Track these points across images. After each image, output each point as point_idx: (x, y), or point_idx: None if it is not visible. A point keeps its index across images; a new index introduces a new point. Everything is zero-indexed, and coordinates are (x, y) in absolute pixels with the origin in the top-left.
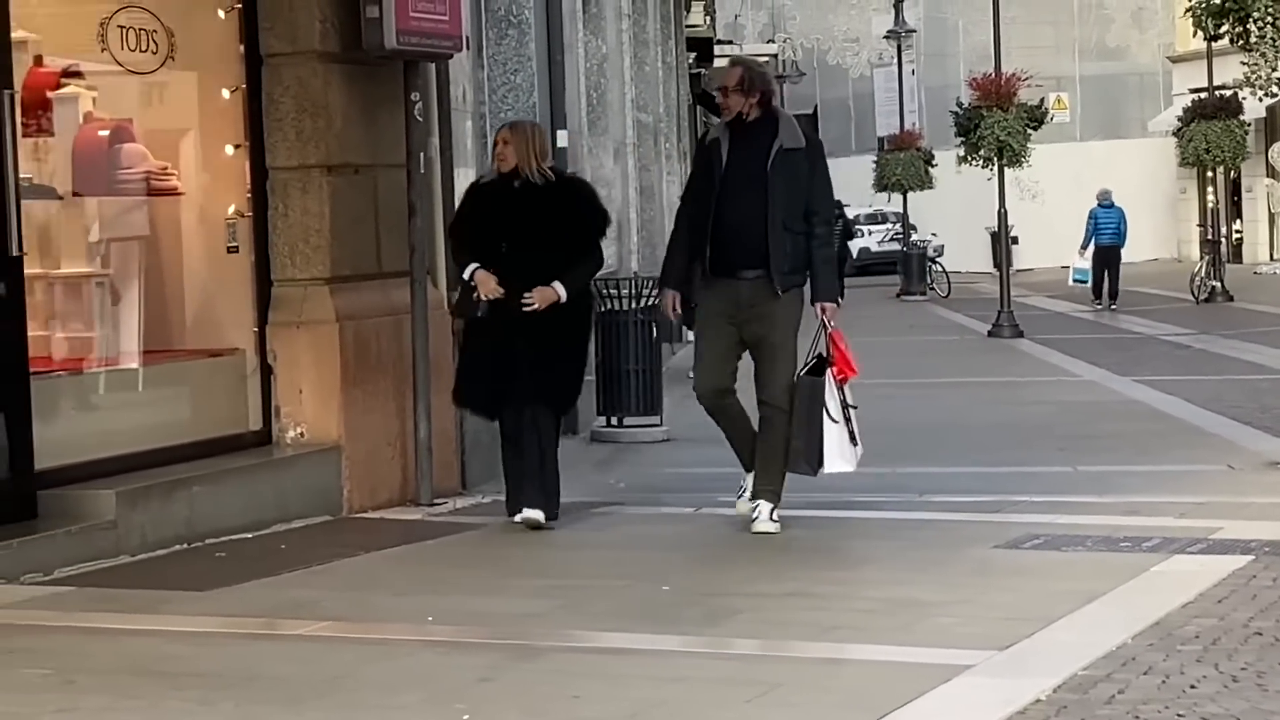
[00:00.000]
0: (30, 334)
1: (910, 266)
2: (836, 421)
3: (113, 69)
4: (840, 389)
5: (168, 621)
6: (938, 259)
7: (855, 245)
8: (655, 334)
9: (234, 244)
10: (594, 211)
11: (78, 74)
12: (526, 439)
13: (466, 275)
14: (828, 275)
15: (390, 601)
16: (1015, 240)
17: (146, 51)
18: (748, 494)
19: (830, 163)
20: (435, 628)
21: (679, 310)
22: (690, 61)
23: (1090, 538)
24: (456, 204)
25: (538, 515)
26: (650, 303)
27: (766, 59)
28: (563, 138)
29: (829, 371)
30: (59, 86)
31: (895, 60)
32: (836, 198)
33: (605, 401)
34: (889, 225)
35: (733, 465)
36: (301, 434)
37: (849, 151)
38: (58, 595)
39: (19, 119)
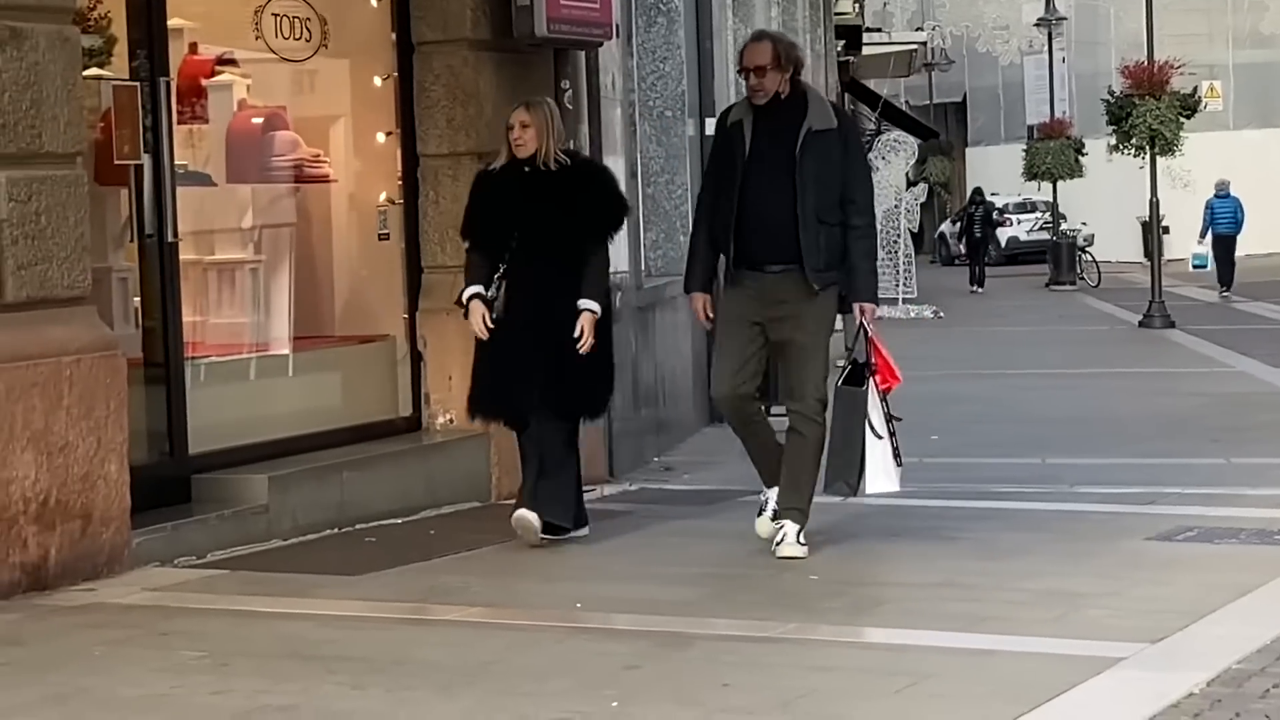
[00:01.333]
0: (184, 319)
1: (1059, 256)
2: (880, 437)
3: (266, 57)
4: (884, 400)
5: (319, 605)
6: (1087, 248)
7: (1004, 234)
8: None
9: (385, 231)
10: (614, 200)
11: (232, 62)
12: (527, 447)
13: (465, 297)
14: (867, 272)
15: (539, 588)
16: (1166, 230)
17: (300, 39)
18: (769, 513)
19: (979, 151)
20: (584, 614)
21: (711, 315)
22: (839, 49)
23: (1244, 530)
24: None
25: (530, 517)
26: None
27: (916, 46)
28: (711, 126)
29: (871, 381)
30: (214, 74)
31: (1045, 48)
32: (976, 185)
33: None
34: (1038, 214)
35: None
36: (451, 420)
37: (998, 140)
38: (211, 578)
39: (174, 106)
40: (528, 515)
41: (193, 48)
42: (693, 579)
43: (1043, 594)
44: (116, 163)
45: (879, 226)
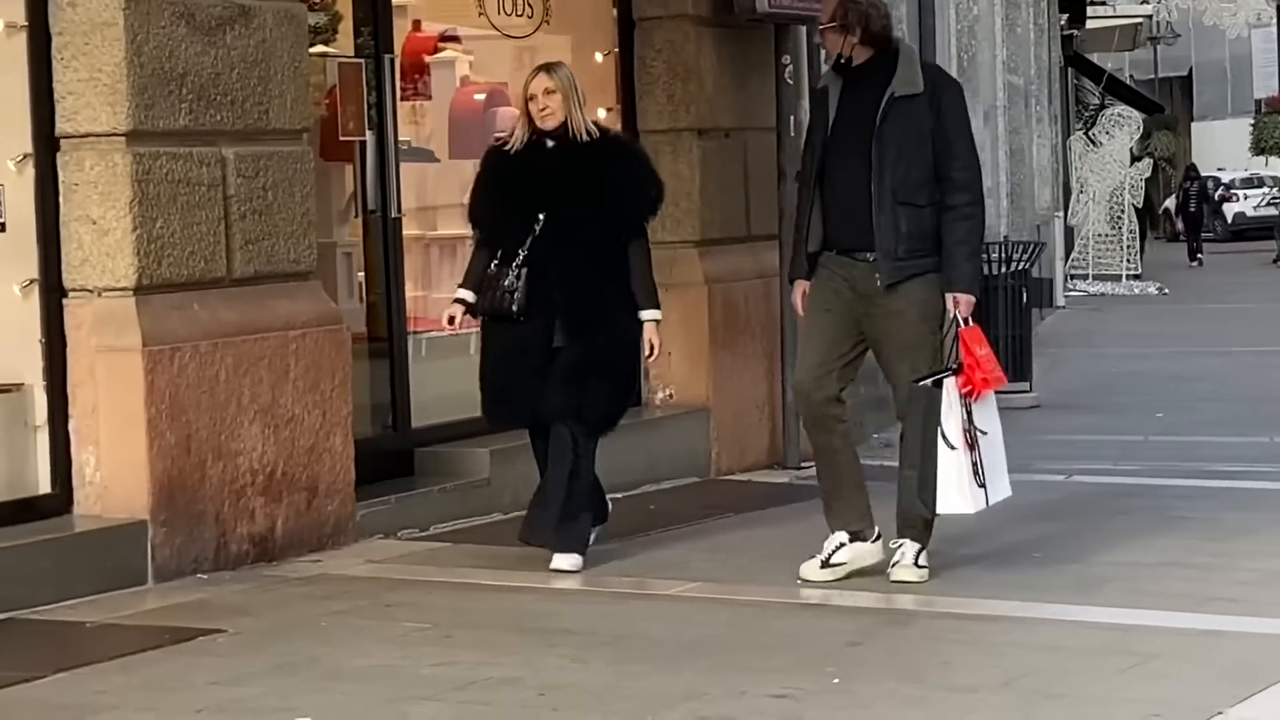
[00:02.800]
0: (407, 294)
1: None
2: (954, 448)
3: (489, 33)
4: (965, 405)
5: (541, 579)
6: None
7: (1230, 209)
8: (1026, 299)
9: None
10: (651, 180)
11: (455, 39)
12: (554, 461)
13: (452, 301)
14: (963, 258)
15: (759, 563)
16: None
17: (522, 16)
18: (819, 559)
19: (1204, 125)
20: (805, 590)
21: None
22: (1062, 23)
23: None
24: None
25: (567, 561)
26: (1020, 267)
27: (1141, 20)
28: None
29: (949, 382)
30: (436, 51)
31: (1274, 21)
32: (1191, 161)
33: None
34: (1266, 189)
35: (1105, 432)
36: (670, 396)
37: (1225, 114)
38: (434, 551)
39: (398, 83)
40: (566, 562)
41: (416, 25)
42: None
43: (1271, 574)
44: (341, 139)
45: (1106, 201)
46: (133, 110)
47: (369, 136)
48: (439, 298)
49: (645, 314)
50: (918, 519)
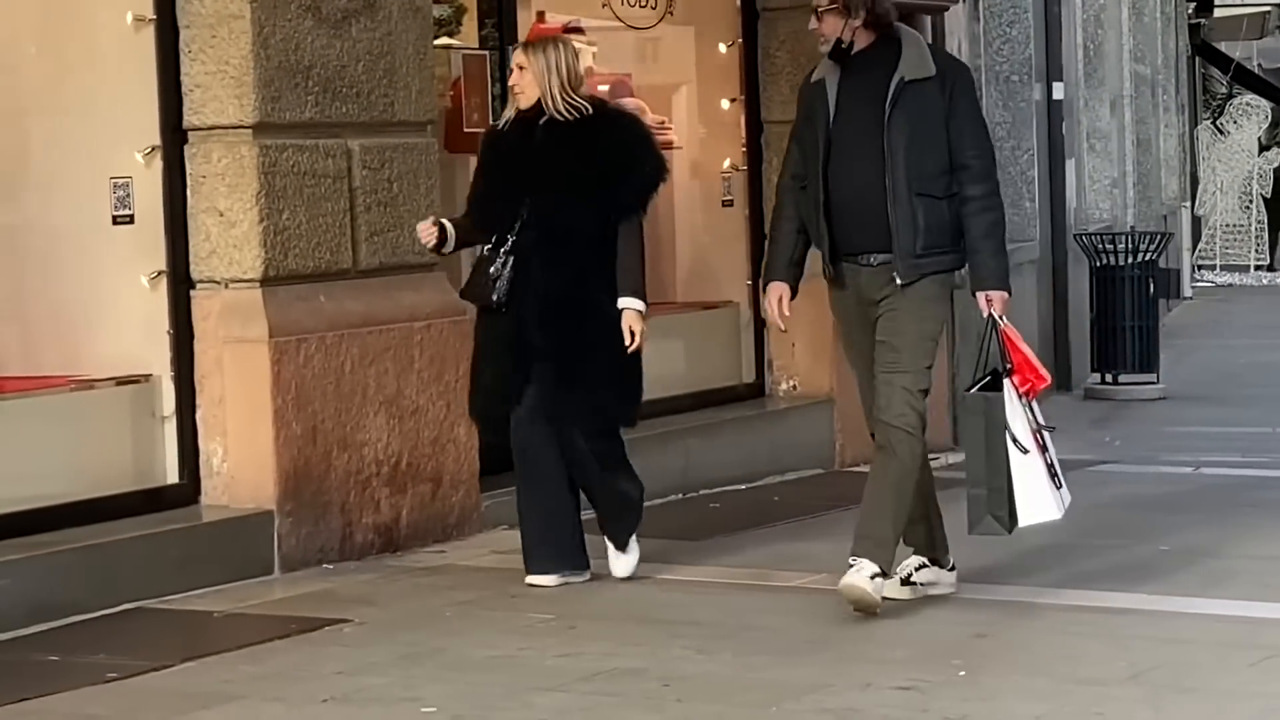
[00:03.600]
0: None
1: None
2: (1026, 451)
3: (612, 24)
4: (1028, 405)
5: (664, 570)
6: None
7: None
8: (1153, 289)
9: (729, 197)
10: (644, 156)
11: (578, 30)
12: (579, 470)
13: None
14: (990, 252)
15: None
16: None
17: (645, 7)
18: (898, 576)
19: None
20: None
21: (787, 312)
22: (1189, 11)
23: None
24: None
25: (623, 562)
26: (1146, 258)
27: (1270, 9)
28: (1059, 90)
29: (1008, 383)
30: None
31: None
32: None
33: (1100, 358)
34: None
35: (1233, 424)
36: (794, 387)
37: None
38: None
39: None
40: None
41: (540, 16)
42: (1039, 548)
43: None
44: (466, 130)
45: (1234, 190)
46: (259, 103)
47: None
48: None
49: (622, 302)
50: (877, 533)
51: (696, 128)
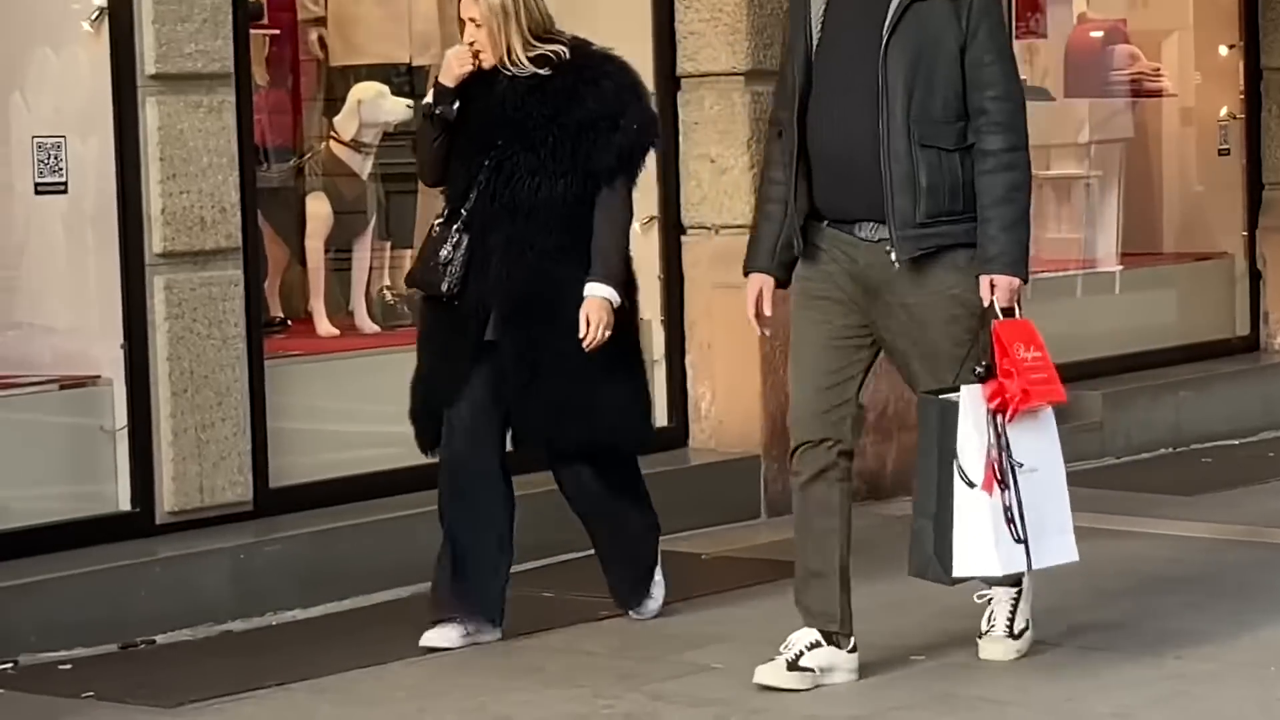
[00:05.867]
0: None
1: None
2: (973, 485)
3: None
4: (995, 426)
5: (1151, 525)
6: None
7: None
8: None
9: (1225, 146)
10: (630, 110)
11: None
12: (582, 502)
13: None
14: (1004, 224)
15: None
16: None
17: None
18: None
19: None
20: None
21: (768, 310)
22: None
23: None
24: None
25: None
26: None
27: None
28: None
29: (970, 395)
30: None
31: None
32: None
33: None
34: None
35: None
36: None
37: None
38: None
39: (1013, 21)
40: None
41: None
42: None
43: None
44: None
45: None
46: (752, 50)
47: None
48: (1052, 238)
49: (589, 287)
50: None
51: (1191, 74)
